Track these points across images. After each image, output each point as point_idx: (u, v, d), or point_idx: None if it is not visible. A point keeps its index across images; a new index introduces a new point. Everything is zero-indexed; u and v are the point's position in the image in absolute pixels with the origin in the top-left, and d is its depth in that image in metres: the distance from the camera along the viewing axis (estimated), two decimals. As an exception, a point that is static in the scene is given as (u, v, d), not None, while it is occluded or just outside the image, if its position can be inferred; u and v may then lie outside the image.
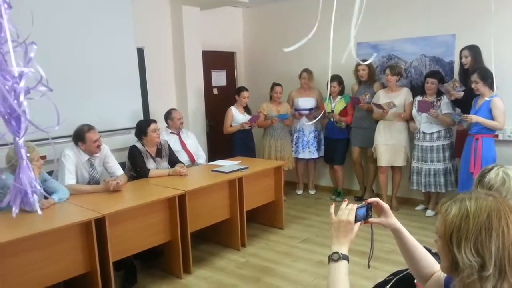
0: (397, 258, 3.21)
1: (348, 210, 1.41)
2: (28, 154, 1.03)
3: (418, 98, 4.68)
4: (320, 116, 4.90)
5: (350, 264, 1.36)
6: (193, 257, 3.72)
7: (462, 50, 4.31)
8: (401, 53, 5.15)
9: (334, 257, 1.33)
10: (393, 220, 1.48)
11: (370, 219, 1.48)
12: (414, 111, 4.69)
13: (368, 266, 1.62)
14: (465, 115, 4.01)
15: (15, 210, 1.05)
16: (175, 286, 3.49)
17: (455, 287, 1.13)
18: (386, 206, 1.49)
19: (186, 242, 3.58)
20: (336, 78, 5.25)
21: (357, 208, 1.42)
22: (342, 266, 1.32)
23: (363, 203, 1.48)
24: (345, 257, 1.33)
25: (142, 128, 4.12)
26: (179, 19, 5.34)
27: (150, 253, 3.62)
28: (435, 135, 4.56)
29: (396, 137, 4.89)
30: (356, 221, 1.40)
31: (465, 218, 1.09)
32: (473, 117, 3.92)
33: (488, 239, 1.05)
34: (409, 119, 4.86)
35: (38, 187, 1.05)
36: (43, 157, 3.23)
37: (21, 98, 0.91)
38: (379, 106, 4.78)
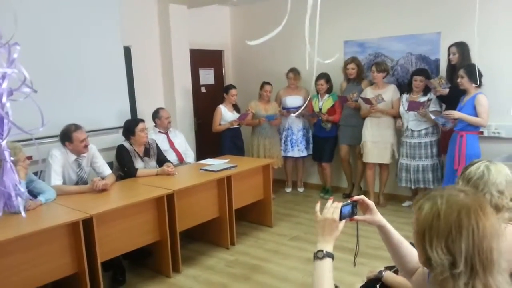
0: (384, 254, 3.22)
1: (333, 208, 1.43)
2: (12, 158, 1.02)
3: (405, 95, 4.73)
4: (303, 108, 4.91)
5: (338, 261, 1.39)
6: (182, 256, 3.72)
7: (450, 46, 4.36)
8: (388, 51, 5.20)
9: (319, 255, 1.35)
10: (378, 217, 1.51)
11: (355, 217, 1.51)
12: (401, 109, 4.74)
13: (354, 264, 1.63)
14: (448, 111, 4.06)
15: (-2, 213, 1.04)
16: (165, 285, 3.48)
17: (431, 283, 1.16)
18: (371, 203, 1.52)
19: (175, 242, 3.57)
20: (324, 76, 5.28)
21: (342, 206, 1.44)
22: (326, 264, 1.35)
23: (349, 201, 1.50)
24: (330, 255, 1.36)
25: (129, 128, 4.10)
26: (166, 17, 5.32)
27: (139, 253, 3.61)
28: (423, 132, 4.61)
29: (383, 134, 4.94)
30: (341, 218, 1.42)
31: (436, 217, 1.11)
32: (456, 113, 3.97)
33: (458, 238, 1.07)
34: (396, 116, 4.91)
35: (22, 190, 1.04)
36: (30, 158, 3.19)
37: (4, 99, 0.91)
38: (367, 100, 4.80)
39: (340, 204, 1.45)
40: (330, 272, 1.33)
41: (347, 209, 1.47)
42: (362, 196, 1.53)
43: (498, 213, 1.61)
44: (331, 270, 1.34)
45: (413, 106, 4.45)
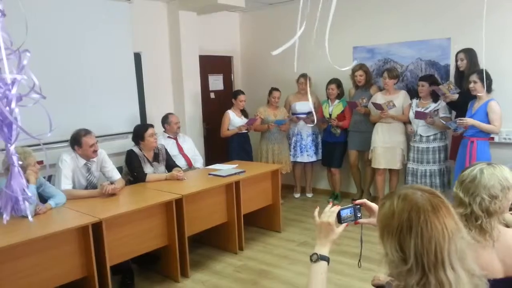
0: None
1: (330, 212, 1.47)
2: (20, 162, 1.04)
3: (415, 101, 4.71)
4: (317, 120, 4.93)
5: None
6: (191, 260, 3.73)
7: (458, 53, 4.34)
8: (397, 56, 5.18)
9: (313, 258, 1.39)
10: None
11: (359, 220, 1.52)
12: (411, 114, 4.71)
13: (359, 265, 1.65)
14: (461, 118, 4.03)
15: (5, 217, 1.06)
16: (173, 290, 3.50)
17: (389, 277, 1.19)
18: (374, 206, 1.53)
19: (183, 246, 3.58)
20: (335, 81, 5.28)
21: (340, 210, 1.46)
22: (320, 266, 1.38)
23: (350, 204, 1.52)
24: (324, 258, 1.39)
25: (139, 133, 4.14)
26: (176, 24, 5.37)
27: (147, 257, 3.63)
28: (431, 137, 4.58)
29: (393, 140, 4.91)
30: (341, 222, 1.45)
31: (391, 216, 1.16)
32: (469, 121, 3.94)
33: (408, 236, 1.11)
34: (407, 122, 4.89)
35: (30, 194, 1.06)
36: (40, 162, 3.24)
37: (13, 105, 0.93)
38: (378, 106, 4.78)
39: (338, 208, 1.47)
40: (323, 274, 1.37)
41: (347, 212, 1.49)
42: (364, 200, 1.56)
43: (490, 217, 1.58)
44: (325, 272, 1.38)
45: (421, 115, 4.45)
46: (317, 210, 1.50)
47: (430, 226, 1.10)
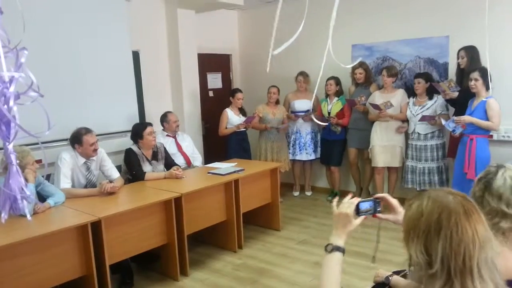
0: (393, 258, 3.22)
1: (348, 203, 1.44)
2: (18, 161, 1.04)
3: (412, 99, 4.72)
4: (314, 117, 4.92)
5: (348, 265, 1.39)
6: (190, 259, 3.73)
7: (459, 50, 4.34)
8: (396, 54, 5.18)
9: (328, 248, 1.38)
10: (401, 216, 1.49)
11: (378, 215, 1.50)
12: (408, 113, 4.72)
13: (373, 261, 1.64)
14: (458, 117, 4.03)
15: (4, 216, 1.06)
16: (172, 288, 3.50)
17: (410, 279, 1.17)
18: (395, 202, 1.51)
19: (182, 245, 3.58)
20: (334, 78, 5.28)
21: (359, 202, 1.44)
22: (334, 257, 1.36)
23: (371, 197, 1.50)
24: (339, 249, 1.37)
25: (138, 131, 4.13)
26: (174, 22, 5.35)
27: (146, 256, 3.63)
28: (429, 135, 4.60)
29: (392, 138, 4.92)
30: (359, 214, 1.42)
31: (419, 217, 1.12)
32: (466, 118, 3.94)
33: (436, 238, 1.07)
34: (405, 120, 4.89)
35: (28, 193, 1.06)
36: (39, 161, 3.23)
37: (11, 103, 0.92)
38: (376, 106, 4.79)
39: (357, 200, 1.45)
40: (337, 265, 1.35)
41: (366, 205, 1.46)
42: (385, 194, 1.53)
43: None
44: (339, 263, 1.35)
45: (426, 118, 4.47)
46: (335, 200, 1.49)
47: (461, 230, 1.05)
